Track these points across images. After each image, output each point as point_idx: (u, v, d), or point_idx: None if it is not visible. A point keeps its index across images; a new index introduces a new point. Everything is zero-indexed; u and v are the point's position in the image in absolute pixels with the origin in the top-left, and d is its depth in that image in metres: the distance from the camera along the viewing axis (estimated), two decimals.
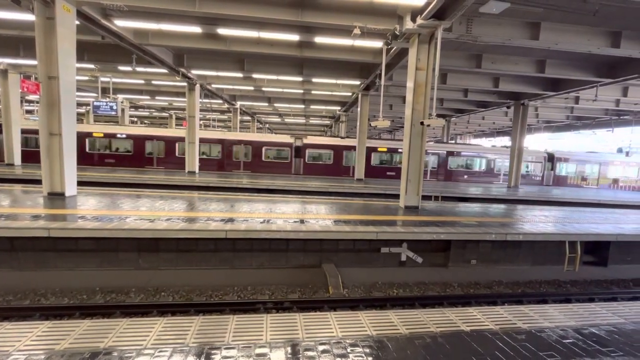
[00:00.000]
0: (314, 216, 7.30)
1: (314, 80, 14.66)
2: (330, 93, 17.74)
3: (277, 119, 32.21)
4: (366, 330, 2.76)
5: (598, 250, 7.57)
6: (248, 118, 29.80)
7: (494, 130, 31.54)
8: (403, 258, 6.78)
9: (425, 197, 12.40)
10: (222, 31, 9.45)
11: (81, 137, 17.11)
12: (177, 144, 17.90)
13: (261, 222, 6.35)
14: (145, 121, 38.74)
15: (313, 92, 17.56)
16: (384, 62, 9.24)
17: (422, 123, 8.22)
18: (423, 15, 7.27)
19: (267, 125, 38.33)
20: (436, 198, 13.19)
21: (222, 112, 26.99)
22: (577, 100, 16.48)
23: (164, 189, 11.10)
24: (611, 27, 8.34)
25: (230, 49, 10.52)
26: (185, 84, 15.13)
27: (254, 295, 5.63)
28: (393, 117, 25.67)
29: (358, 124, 16.29)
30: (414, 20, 7.64)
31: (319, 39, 9.56)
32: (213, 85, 17.16)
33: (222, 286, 5.81)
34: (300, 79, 14.51)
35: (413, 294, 6.08)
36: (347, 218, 7.32)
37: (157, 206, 7.50)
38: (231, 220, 6.44)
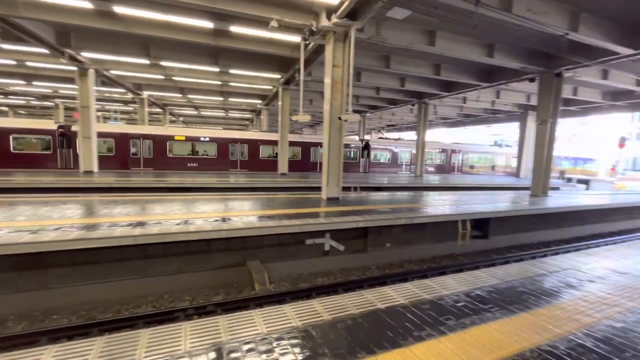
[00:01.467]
0: (237, 213, 7.06)
1: (232, 71, 14.01)
2: (249, 86, 17.22)
3: (192, 112, 29.89)
4: (292, 322, 2.81)
5: (482, 225, 9.12)
6: (159, 110, 26.93)
7: (403, 125, 35.00)
8: (327, 248, 7.07)
9: (345, 189, 13.12)
10: (120, 9, 8.27)
11: None
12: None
13: (177, 224, 5.87)
14: (21, 111, 31.75)
15: (231, 84, 16.80)
16: (302, 57, 9.36)
17: (339, 118, 8.62)
18: (337, 14, 7.57)
19: (181, 119, 35.27)
20: (355, 189, 14.07)
21: (126, 102, 23.81)
22: (464, 100, 19.38)
23: (50, 192, 9.33)
24: (488, 40, 9.99)
25: (130, 30, 9.29)
26: (75, 68, 12.84)
27: (172, 303, 5.21)
28: (314, 112, 26.30)
29: (279, 118, 16.22)
30: (329, 18, 7.91)
31: (235, 29, 9.15)
32: (113, 72, 14.97)
33: (134, 298, 5.22)
34: (216, 69, 13.69)
35: (336, 280, 6.42)
36: (271, 213, 7.27)
37: (42, 214, 6.27)
38: (141, 224, 5.78)
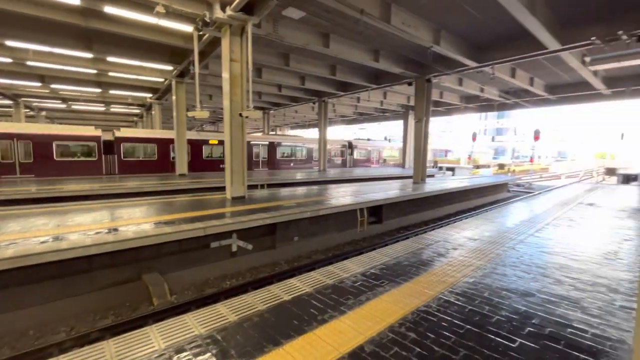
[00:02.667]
0: (126, 222, 6.21)
1: (111, 59, 12.06)
2: (135, 77, 15.14)
3: (60, 105, 24.55)
4: (194, 331, 2.67)
5: (376, 212, 10.24)
6: (8, 102, 21.24)
7: (306, 122, 36.28)
8: (234, 249, 6.86)
9: (251, 187, 12.91)
10: None
11: None
12: None
13: (43, 242, 4.81)
14: None
15: (111, 74, 14.46)
16: (197, 49, 8.74)
17: (240, 114, 8.40)
18: (232, 6, 7.33)
19: (43, 113, 28.58)
20: (262, 186, 13.98)
21: None
22: (358, 100, 21.27)
23: None
24: (374, 46, 11.17)
25: None
26: None
27: (40, 340, 4.27)
28: (214, 108, 24.88)
29: (174, 114, 14.80)
30: (224, 10, 7.58)
31: (111, 10, 7.90)
32: None
33: None
34: (89, 55, 11.60)
35: (245, 280, 6.31)
36: (169, 218, 6.64)
37: None
38: None
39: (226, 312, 3.00)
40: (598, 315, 2.99)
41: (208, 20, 7.73)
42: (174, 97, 14.60)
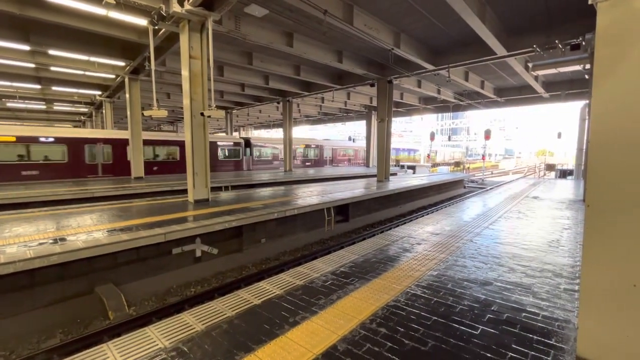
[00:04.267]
0: (75, 230, 5.69)
1: (52, 52, 10.98)
2: (82, 72, 13.94)
3: None
4: (157, 344, 2.50)
5: (343, 211, 10.38)
6: None
7: (270, 122, 35.82)
8: (198, 254, 6.57)
9: (215, 189, 12.47)
10: None
11: None
12: None
13: None
14: None
15: (53, 68, 13.16)
16: (152, 44, 8.25)
17: (202, 114, 8.07)
18: (191, 1, 7.01)
19: None
20: (226, 188, 13.55)
21: None
22: (323, 100, 21.43)
23: None
24: (337, 47, 11.31)
25: None
26: None
27: None
28: (173, 107, 23.69)
29: (128, 113, 13.85)
30: (181, 4, 7.23)
31: None
32: None
33: None
34: (26, 47, 10.46)
35: (212, 286, 6.07)
36: (125, 225, 6.19)
37: None
38: None
39: (192, 321, 2.85)
40: (547, 298, 3.27)
41: (164, 14, 7.33)
42: (127, 95, 13.65)
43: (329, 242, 9.16)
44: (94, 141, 15.19)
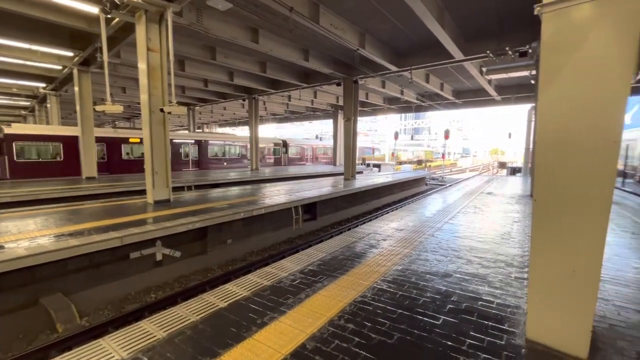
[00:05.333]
0: (15, 237, 5.15)
1: None
2: (22, 62, 12.61)
3: None
4: (113, 356, 2.34)
5: (311, 209, 10.41)
6: None
7: (236, 120, 34.91)
8: (159, 257, 6.24)
9: (178, 189, 11.93)
10: None
11: None
12: None
13: None
14: None
15: None
16: (104, 34, 7.67)
17: (162, 110, 7.66)
18: None
19: None
20: (189, 188, 13.01)
21: None
22: (289, 98, 21.27)
23: None
24: (304, 45, 11.27)
25: None
26: None
27: None
28: (129, 102, 22.26)
29: (78, 108, 12.77)
30: None
31: None
32: None
33: None
34: None
35: (174, 291, 5.80)
36: (76, 229, 5.72)
37: None
38: None
39: (152, 329, 2.70)
40: (500, 287, 3.52)
41: (118, 2, 6.85)
42: (76, 89, 12.58)
43: (297, 241, 9.14)
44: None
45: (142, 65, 7.69)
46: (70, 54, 11.18)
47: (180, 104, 8.08)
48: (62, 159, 14.51)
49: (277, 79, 14.68)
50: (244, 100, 20.06)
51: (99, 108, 7.64)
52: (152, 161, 7.92)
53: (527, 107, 18.88)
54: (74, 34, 10.13)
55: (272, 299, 3.24)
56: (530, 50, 8.61)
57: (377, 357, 2.34)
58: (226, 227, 7.50)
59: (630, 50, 2.02)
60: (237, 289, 3.51)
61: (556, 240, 2.34)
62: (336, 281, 3.69)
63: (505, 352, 2.40)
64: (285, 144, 27.51)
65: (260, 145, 24.04)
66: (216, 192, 10.80)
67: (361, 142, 39.35)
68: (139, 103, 20.98)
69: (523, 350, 2.43)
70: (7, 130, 13.15)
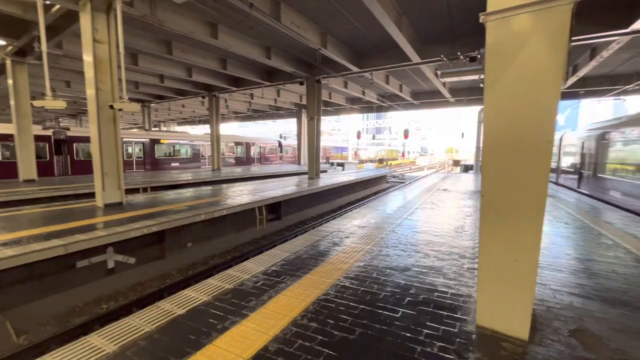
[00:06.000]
0: None
1: None
2: None
3: None
4: None
5: (275, 209, 10.31)
6: None
7: (195, 118, 33.49)
8: (110, 265, 5.82)
9: (132, 191, 11.20)
10: None
11: None
12: None
13: None
14: None
15: None
16: (42, 22, 6.95)
17: (112, 107, 7.13)
18: None
19: None
20: (145, 190, 12.27)
21: None
22: (252, 96, 20.87)
23: None
24: (266, 43, 11.10)
25: None
26: None
27: None
28: (75, 98, 20.46)
29: (12, 103, 11.47)
30: None
31: None
32: None
33: None
34: None
35: (128, 300, 5.44)
36: (11, 237, 5.13)
37: None
38: None
39: (101, 342, 2.51)
40: (454, 278, 3.74)
41: None
42: (10, 81, 11.28)
43: (261, 241, 9.00)
44: None
45: (87, 58, 7.09)
46: (1, 42, 10.00)
47: (133, 100, 7.58)
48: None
49: (239, 76, 14.31)
50: (203, 97, 19.33)
51: (37, 103, 6.92)
52: (102, 162, 7.35)
53: (477, 108, 20.24)
54: (6, 20, 9.06)
55: (234, 303, 3.16)
56: (478, 56, 9.23)
57: (340, 354, 2.38)
58: (186, 229, 7.18)
59: (560, 58, 2.24)
60: (197, 294, 3.37)
61: (501, 233, 2.54)
62: (300, 281, 3.69)
63: (458, 339, 2.56)
64: (247, 143, 26.97)
65: (222, 144, 23.35)
66: (175, 194, 10.29)
67: (325, 141, 39.71)
68: (86, 98, 19.36)
69: (474, 336, 2.60)
70: (69, 133, 15.68)
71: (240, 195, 10.02)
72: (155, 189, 12.50)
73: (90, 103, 7.27)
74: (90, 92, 7.19)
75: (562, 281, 3.67)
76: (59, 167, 15.96)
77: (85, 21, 6.95)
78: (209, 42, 9.63)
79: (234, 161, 25.85)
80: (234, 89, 16.63)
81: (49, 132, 15.40)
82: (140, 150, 19.17)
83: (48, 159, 15.43)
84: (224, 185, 12.75)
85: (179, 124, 38.99)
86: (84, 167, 16.55)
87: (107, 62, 7.26)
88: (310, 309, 3.02)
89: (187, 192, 10.64)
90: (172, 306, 3.10)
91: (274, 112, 28.79)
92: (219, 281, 3.71)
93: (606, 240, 5.31)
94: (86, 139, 16.74)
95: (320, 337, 2.57)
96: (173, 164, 21.07)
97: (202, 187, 12.68)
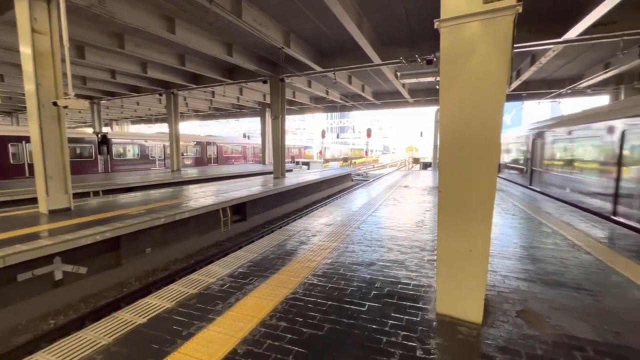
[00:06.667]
0: None
1: None
2: None
3: None
4: None
5: (240, 210, 10.10)
6: None
7: (152, 117, 31.65)
8: (58, 276, 5.35)
9: (82, 195, 10.36)
10: None
11: None
12: None
13: None
14: None
15: None
16: None
17: (55, 103, 6.54)
18: None
19: None
20: (96, 193, 11.39)
21: None
22: (213, 94, 20.18)
23: None
24: (227, 40, 10.79)
25: None
26: None
27: None
28: (10, 93, 18.43)
29: None
30: None
31: None
32: None
33: None
34: None
35: (80, 313, 5.05)
36: None
37: None
38: None
39: None
40: (415, 270, 3.94)
41: None
42: None
43: (226, 243, 8.78)
44: None
45: (25, 50, 6.43)
46: None
47: (80, 96, 7.00)
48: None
49: (199, 73, 13.77)
50: (160, 95, 18.33)
51: None
52: (44, 164, 6.71)
53: (434, 109, 21.34)
54: None
55: (200, 308, 3.07)
56: (435, 59, 9.75)
57: (309, 350, 2.41)
58: (144, 234, 6.80)
59: (505, 63, 2.46)
60: (159, 301, 3.22)
61: (456, 225, 2.72)
62: (268, 281, 3.67)
63: (420, 327, 2.71)
64: (210, 143, 26.08)
65: (182, 144, 22.36)
66: (131, 197, 9.68)
67: (290, 140, 39.54)
68: (24, 94, 17.47)
69: (434, 323, 2.77)
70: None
71: (203, 196, 9.67)
72: (108, 192, 11.65)
73: (29, 99, 6.60)
74: (29, 87, 6.53)
75: (510, 267, 4.01)
76: (102, 165, 18.37)
77: (21, 10, 6.29)
78: (166, 37, 9.17)
79: (196, 161, 24.87)
80: (194, 86, 15.98)
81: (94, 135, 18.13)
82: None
83: (93, 158, 17.93)
84: (185, 187, 12.23)
85: (134, 122, 36.61)
86: (122, 165, 19.46)
87: (49, 54, 6.63)
88: (279, 309, 3.02)
89: (146, 195, 10.06)
90: (132, 316, 2.93)
91: (237, 111, 28.08)
92: (182, 286, 3.57)
93: (546, 229, 5.89)
94: (124, 141, 19.66)
95: (290, 336, 2.59)
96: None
97: (161, 189, 12.05)
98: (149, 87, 16.86)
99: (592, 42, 8.91)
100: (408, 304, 3.11)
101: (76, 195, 8.86)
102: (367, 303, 3.12)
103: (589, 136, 8.12)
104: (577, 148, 8.77)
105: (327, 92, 19.08)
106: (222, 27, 9.22)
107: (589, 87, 15.79)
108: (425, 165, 27.08)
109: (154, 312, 3.00)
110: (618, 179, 6.75)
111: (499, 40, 2.45)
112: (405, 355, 2.35)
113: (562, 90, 15.94)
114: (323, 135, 34.21)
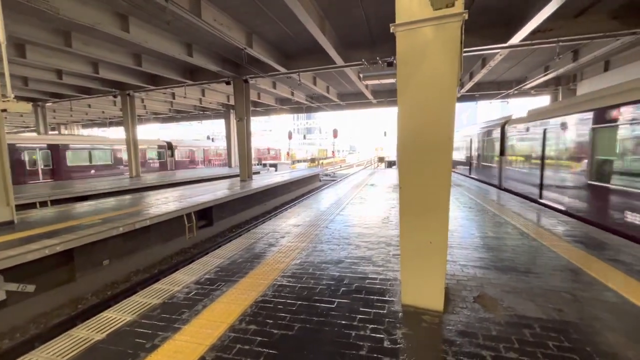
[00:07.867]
0: None
1: None
2: None
3: None
4: None
5: (206, 215, 9.79)
6: None
7: (106, 120, 29.63)
8: (1, 297, 4.87)
9: (25, 206, 9.48)
10: None
11: None
12: None
13: None
14: None
15: None
16: None
17: None
18: None
19: None
20: (43, 204, 10.47)
21: None
22: (173, 96, 19.36)
23: None
24: (187, 39, 10.41)
25: None
26: None
27: None
28: None
29: None
30: None
31: None
32: None
33: None
34: None
35: (28, 335, 4.63)
36: None
37: None
38: None
39: None
40: (382, 264, 4.09)
41: None
42: None
43: (191, 250, 8.48)
44: None
45: None
46: None
47: (21, 98, 6.40)
48: None
49: (157, 74, 13.16)
50: (115, 96, 17.25)
51: None
52: None
53: (396, 109, 22.14)
54: None
55: (164, 318, 2.95)
56: (394, 62, 10.13)
57: (279, 351, 2.42)
58: (100, 246, 6.38)
59: (455, 66, 2.63)
60: (119, 314, 3.05)
61: (417, 219, 2.87)
62: (236, 285, 3.61)
63: (387, 319, 2.82)
64: (171, 146, 24.98)
65: (141, 148, 21.19)
66: (84, 206, 9.01)
67: (256, 142, 38.92)
68: None
69: (400, 314, 2.90)
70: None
71: (165, 203, 9.26)
72: (57, 202, 10.75)
73: None
74: None
75: (468, 257, 4.29)
76: (169, 165, 24.53)
77: None
78: (119, 36, 8.67)
79: (157, 166, 23.68)
80: (152, 87, 15.22)
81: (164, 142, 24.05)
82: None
83: (165, 159, 24.11)
84: (145, 194, 11.62)
85: (85, 126, 34.06)
86: (182, 165, 25.80)
87: None
88: (248, 312, 2.99)
89: (101, 204, 9.42)
90: (89, 332, 2.75)
91: (200, 113, 27.15)
92: (144, 297, 3.41)
93: (499, 219, 6.36)
94: (184, 146, 26.12)
95: (260, 338, 2.58)
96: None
97: (119, 196, 11.34)
98: (102, 88, 15.78)
99: (533, 47, 9.76)
100: (375, 297, 3.22)
101: (19, 207, 8.10)
102: (336, 300, 3.19)
103: (495, 137, 11.94)
104: (488, 146, 12.71)
105: (292, 94, 19.07)
106: (181, 26, 8.91)
107: (532, 88, 17.24)
108: (390, 164, 27.97)
109: (114, 326, 2.84)
110: (501, 163, 11.06)
111: (448, 45, 2.62)
112: (373, 347, 2.44)
113: (509, 91, 17.26)
114: (290, 137, 34.10)
